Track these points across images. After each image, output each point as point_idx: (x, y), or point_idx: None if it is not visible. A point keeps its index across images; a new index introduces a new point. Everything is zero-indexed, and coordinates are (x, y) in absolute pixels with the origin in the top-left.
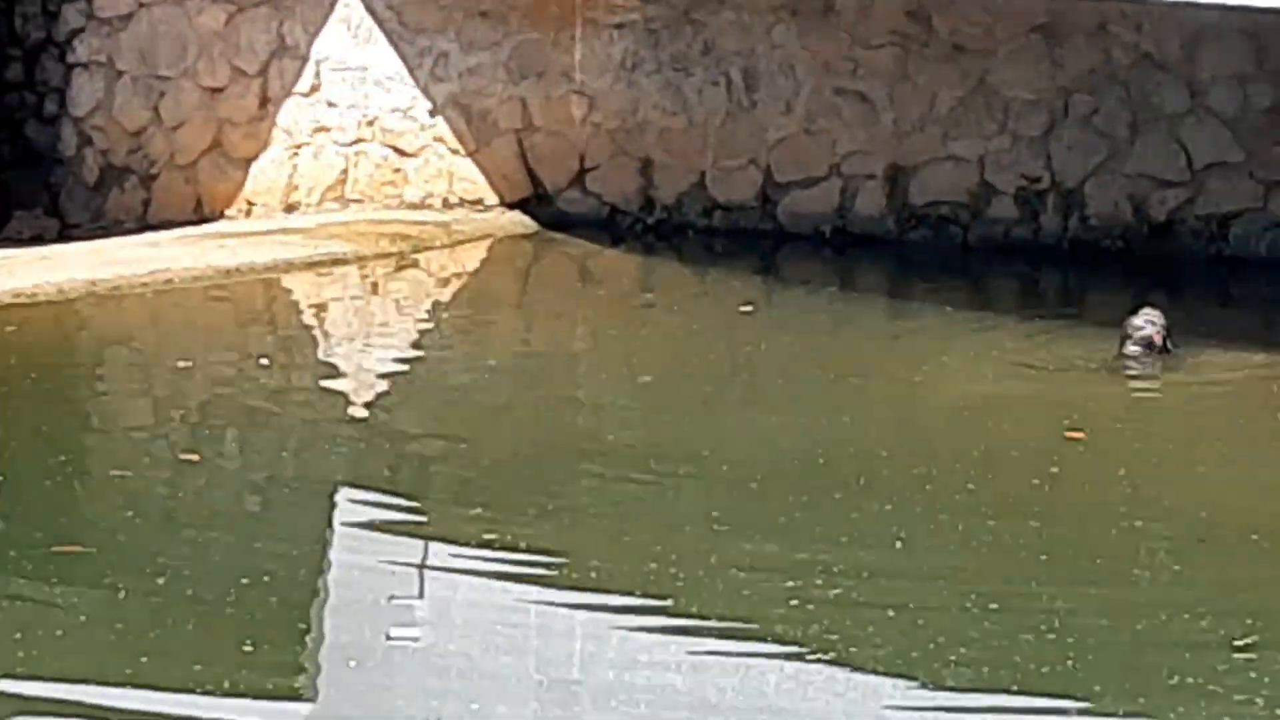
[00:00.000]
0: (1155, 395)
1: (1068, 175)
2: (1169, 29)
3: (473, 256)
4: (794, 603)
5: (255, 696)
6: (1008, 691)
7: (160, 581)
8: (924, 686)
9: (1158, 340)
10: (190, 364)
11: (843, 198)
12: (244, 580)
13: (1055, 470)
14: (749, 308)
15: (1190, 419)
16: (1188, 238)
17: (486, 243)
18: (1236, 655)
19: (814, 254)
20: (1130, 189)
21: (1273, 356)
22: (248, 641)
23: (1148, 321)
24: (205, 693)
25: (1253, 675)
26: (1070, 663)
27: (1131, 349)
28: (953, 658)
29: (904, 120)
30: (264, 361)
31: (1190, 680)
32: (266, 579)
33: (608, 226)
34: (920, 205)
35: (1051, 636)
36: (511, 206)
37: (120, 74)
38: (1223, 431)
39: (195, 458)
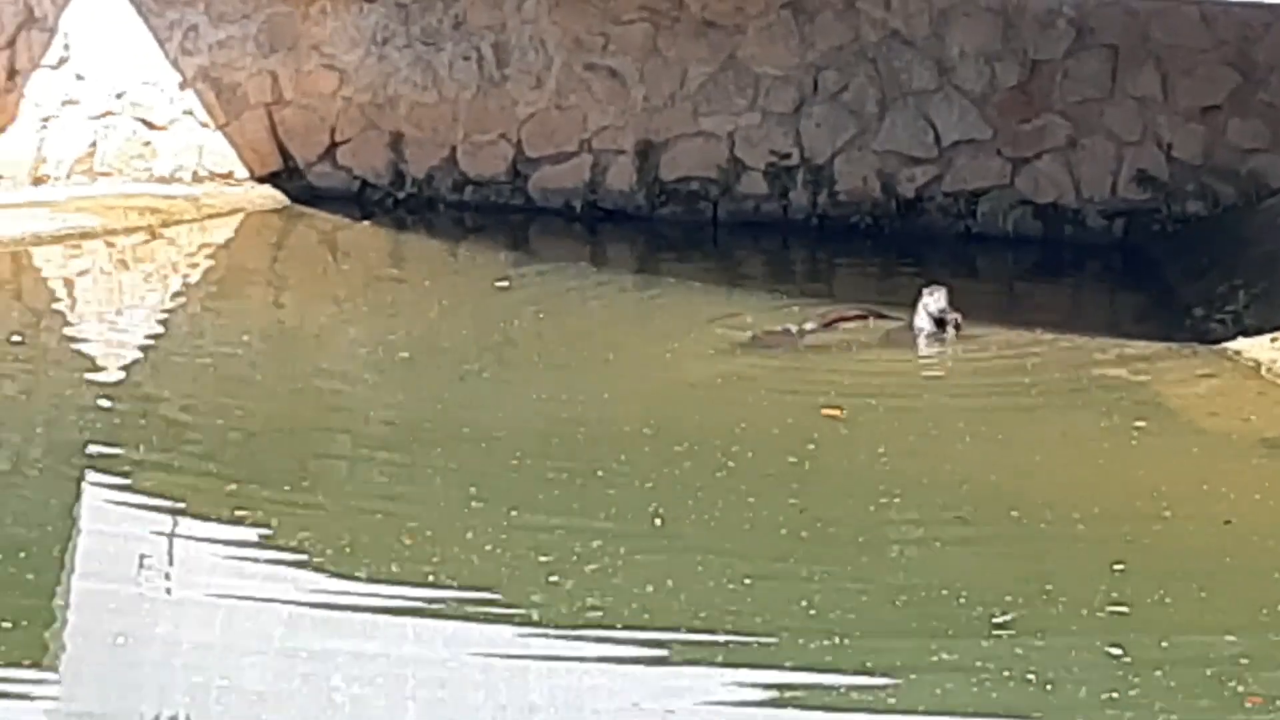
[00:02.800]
0: (908, 372)
1: (817, 152)
2: (917, 6)
3: (223, 230)
4: (553, 579)
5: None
6: (778, 667)
7: None
8: (676, 664)
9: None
10: None
11: (593, 173)
12: None
13: (813, 447)
14: (504, 283)
15: (946, 396)
16: (936, 214)
17: (237, 217)
18: (996, 632)
19: (565, 229)
20: (879, 165)
21: (1022, 333)
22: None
23: (933, 300)
24: None
25: (1018, 651)
26: (835, 638)
27: (921, 324)
28: (712, 633)
29: (654, 96)
30: (16, 338)
31: (949, 656)
32: (21, 554)
33: (358, 201)
34: (670, 181)
35: (812, 613)
36: (262, 180)
37: None
38: (979, 409)
39: None
